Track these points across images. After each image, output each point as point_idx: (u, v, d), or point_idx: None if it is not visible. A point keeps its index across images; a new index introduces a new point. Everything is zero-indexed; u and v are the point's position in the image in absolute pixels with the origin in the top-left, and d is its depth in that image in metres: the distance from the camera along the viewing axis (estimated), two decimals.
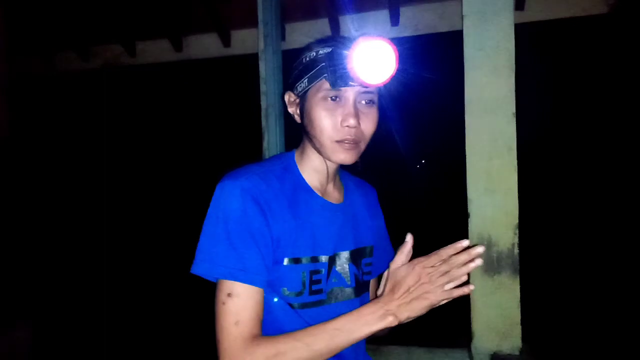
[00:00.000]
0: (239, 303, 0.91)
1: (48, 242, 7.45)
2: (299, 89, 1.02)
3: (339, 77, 0.94)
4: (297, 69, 1.03)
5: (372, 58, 0.90)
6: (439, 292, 0.92)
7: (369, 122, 1.00)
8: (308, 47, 1.02)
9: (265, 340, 0.91)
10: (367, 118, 1.00)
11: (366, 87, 0.97)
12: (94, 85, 10.21)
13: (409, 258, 0.97)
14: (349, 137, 0.97)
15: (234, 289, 0.92)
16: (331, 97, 0.97)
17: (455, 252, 0.92)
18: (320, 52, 0.98)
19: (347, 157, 0.99)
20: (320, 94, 0.98)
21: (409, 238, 0.97)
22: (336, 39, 1.01)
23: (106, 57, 4.07)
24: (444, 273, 0.92)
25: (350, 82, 0.95)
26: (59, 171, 10.72)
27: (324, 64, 0.96)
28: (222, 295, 0.92)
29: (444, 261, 0.92)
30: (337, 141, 0.98)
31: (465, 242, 0.91)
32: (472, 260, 0.92)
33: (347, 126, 0.97)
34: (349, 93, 0.97)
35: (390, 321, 0.92)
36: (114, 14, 3.54)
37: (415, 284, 0.91)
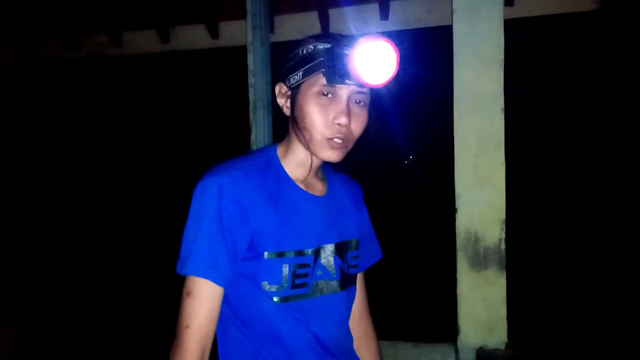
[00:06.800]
0: (194, 304, 0.92)
1: (34, 239, 7.36)
2: (292, 81, 1.01)
3: (337, 73, 0.94)
4: (291, 61, 1.02)
5: (374, 58, 0.90)
6: None
7: (359, 122, 1.00)
8: (306, 41, 1.01)
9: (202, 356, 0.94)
10: (358, 119, 1.00)
11: (362, 87, 0.97)
12: (79, 76, 10.07)
13: None
14: (339, 135, 0.97)
15: (193, 287, 0.93)
16: (325, 93, 0.97)
17: None
18: (319, 46, 0.98)
19: (333, 155, 0.99)
20: (315, 89, 0.97)
21: None
22: (336, 36, 1.00)
23: (91, 47, 4.00)
24: None
25: (347, 80, 0.95)
26: (43, 164, 10.57)
27: (322, 58, 0.96)
28: (183, 293, 0.94)
29: None
30: (327, 138, 0.98)
31: None
32: None
33: (339, 124, 0.97)
34: (344, 91, 0.97)
35: None
36: (100, 2, 3.48)
37: None
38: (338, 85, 0.96)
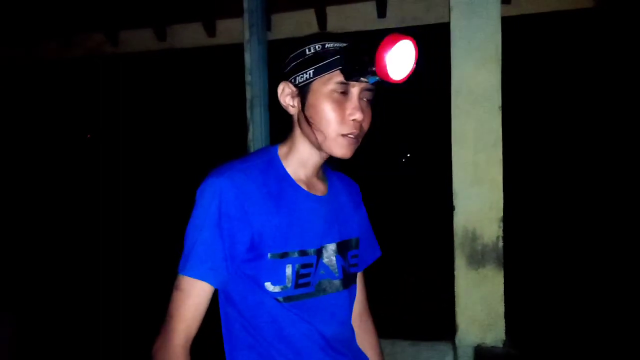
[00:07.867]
0: (181, 297, 0.96)
1: (34, 236, 7.35)
2: (300, 80, 1.01)
3: (357, 70, 0.95)
4: (297, 60, 1.02)
5: (397, 55, 0.92)
6: None
7: (368, 119, 1.02)
8: (310, 40, 1.01)
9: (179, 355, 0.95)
10: (367, 115, 1.02)
11: (373, 84, 0.99)
12: (76, 75, 10.04)
13: None
14: (354, 130, 0.99)
15: (183, 282, 0.96)
16: (340, 91, 0.98)
17: None
18: (330, 45, 0.99)
19: (347, 151, 1.01)
20: (329, 87, 0.98)
21: None
22: (348, 35, 1.02)
23: (88, 46, 3.99)
24: None
25: (362, 78, 0.97)
26: (43, 162, 10.55)
27: (338, 56, 0.97)
28: (173, 286, 0.97)
29: None
30: (342, 135, 0.99)
31: None
32: None
33: (354, 120, 0.99)
34: (356, 88, 0.99)
35: None
36: (97, 2, 3.46)
37: None
38: (352, 83, 0.98)
